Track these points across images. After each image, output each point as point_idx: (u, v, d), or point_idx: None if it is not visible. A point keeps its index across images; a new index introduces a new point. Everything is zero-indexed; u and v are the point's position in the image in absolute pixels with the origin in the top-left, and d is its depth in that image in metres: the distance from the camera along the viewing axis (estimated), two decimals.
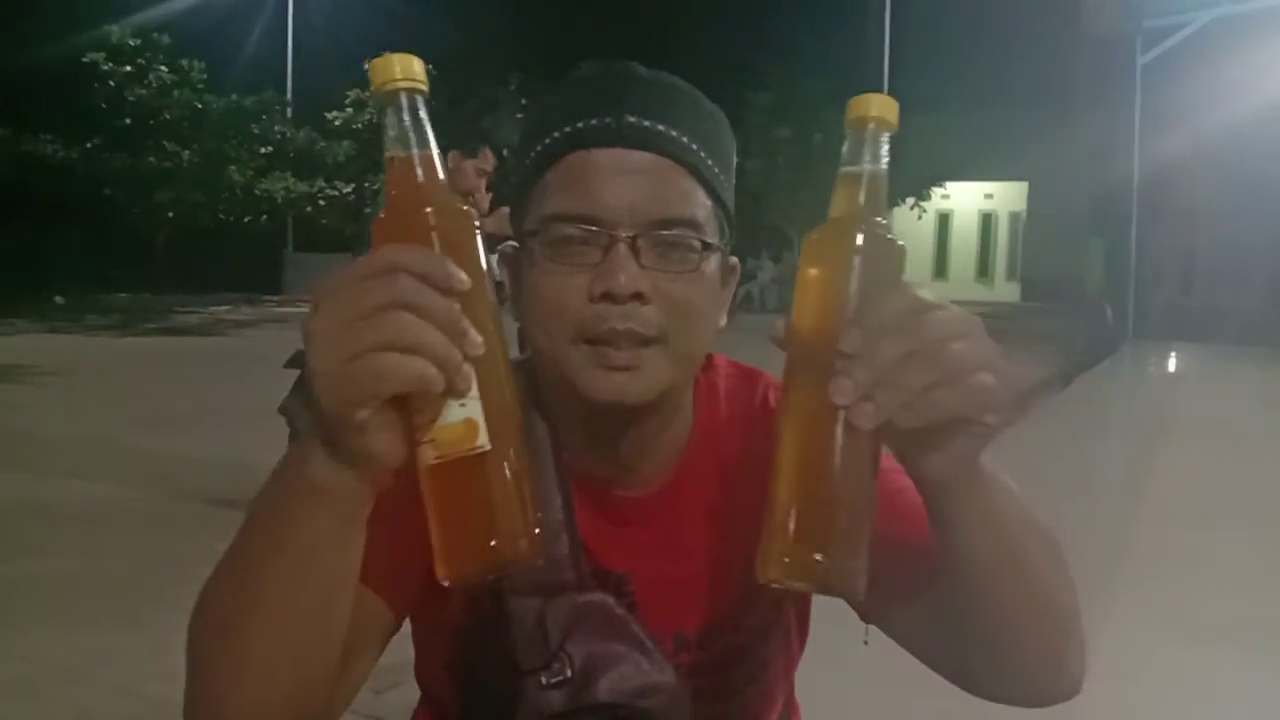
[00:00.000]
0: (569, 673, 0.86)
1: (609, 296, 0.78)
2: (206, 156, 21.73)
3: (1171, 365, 14.32)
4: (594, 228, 0.80)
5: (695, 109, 0.86)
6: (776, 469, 0.67)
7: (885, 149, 0.68)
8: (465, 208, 0.65)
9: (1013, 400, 0.63)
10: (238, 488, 5.07)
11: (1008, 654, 0.76)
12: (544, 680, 0.86)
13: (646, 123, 0.82)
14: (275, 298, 22.64)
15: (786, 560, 0.65)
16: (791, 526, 0.65)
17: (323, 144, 23.72)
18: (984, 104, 23.19)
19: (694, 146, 0.83)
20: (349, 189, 23.81)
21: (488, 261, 0.65)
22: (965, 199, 28.82)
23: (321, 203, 23.72)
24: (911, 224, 25.31)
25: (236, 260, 23.09)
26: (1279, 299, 16.85)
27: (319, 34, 25.93)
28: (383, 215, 0.64)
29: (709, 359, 0.96)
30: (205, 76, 22.28)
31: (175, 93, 21.64)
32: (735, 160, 0.90)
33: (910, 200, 24.62)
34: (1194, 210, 17.99)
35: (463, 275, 0.60)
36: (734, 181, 0.89)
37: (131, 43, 21.18)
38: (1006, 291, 28.29)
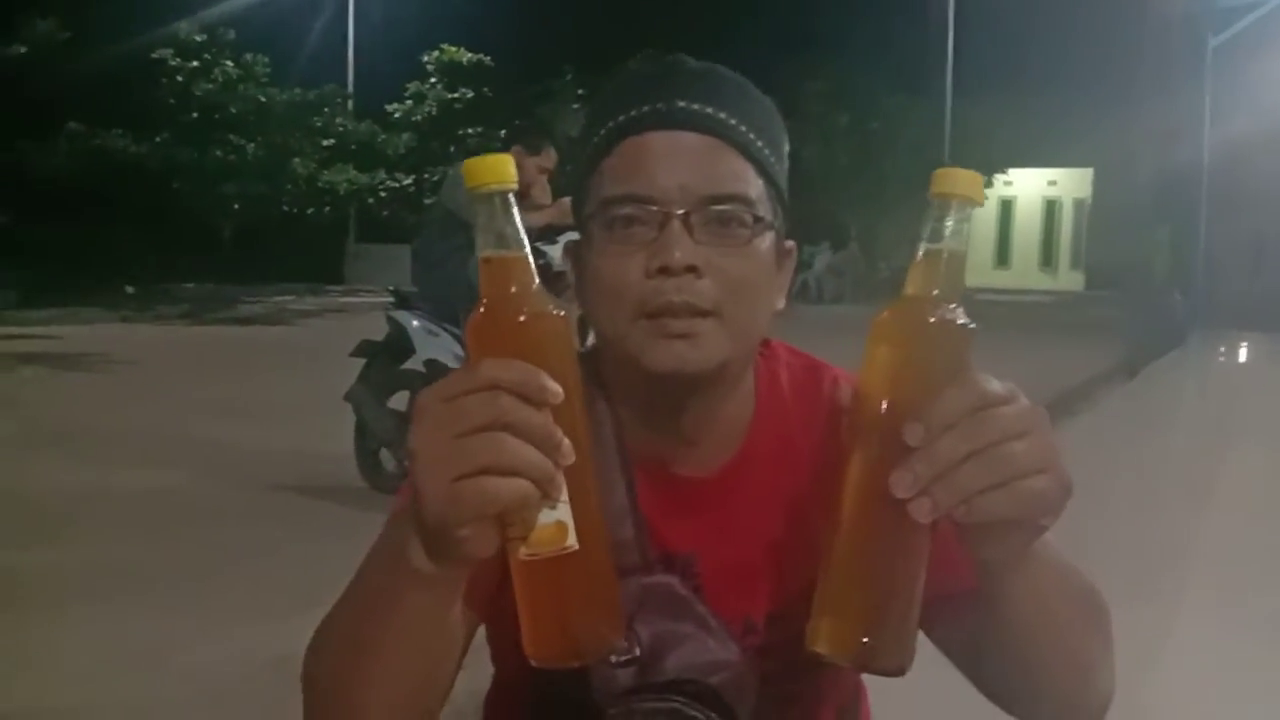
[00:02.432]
0: (637, 651, 0.90)
1: (664, 270, 0.82)
2: (270, 149, 22.12)
3: (1242, 355, 13.96)
4: (650, 206, 0.84)
5: (744, 95, 0.90)
6: (833, 542, 0.70)
7: (967, 228, 0.68)
8: (556, 311, 0.67)
9: (1067, 494, 0.66)
10: (302, 476, 5.23)
11: (1039, 688, 0.83)
12: (613, 659, 0.89)
13: (696, 106, 0.86)
14: (338, 288, 22.95)
15: (835, 638, 0.69)
16: (843, 606, 0.69)
17: (383, 136, 24.03)
18: (1048, 88, 22.70)
19: (742, 128, 0.87)
20: (409, 180, 24.11)
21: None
22: (1028, 186, 28.28)
23: (383, 194, 24.03)
24: (974, 211, 24.84)
25: (300, 251, 23.45)
26: None
27: (378, 28, 26.22)
28: (479, 316, 0.67)
29: (768, 344, 0.98)
30: (269, 71, 22.68)
31: (240, 87, 22.05)
32: (787, 146, 0.93)
33: None
34: (1264, 197, 17.49)
35: (556, 388, 0.63)
36: (787, 167, 0.92)
37: (198, 39, 21.62)
38: (1070, 280, 27.73)
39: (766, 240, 0.87)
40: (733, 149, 0.86)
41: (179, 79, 21.54)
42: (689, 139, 0.85)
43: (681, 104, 0.86)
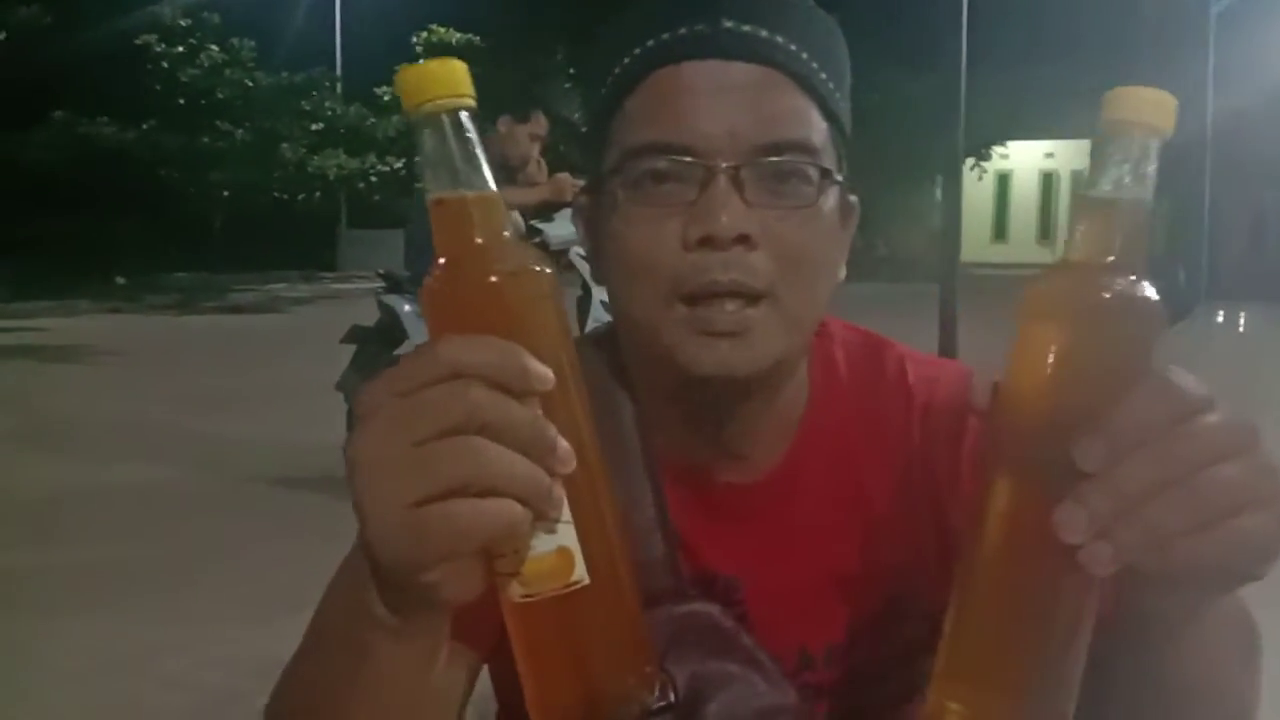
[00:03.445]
0: (672, 697, 0.71)
1: (709, 241, 0.65)
2: (259, 135, 22.00)
3: (1246, 327, 13.85)
4: (688, 158, 0.66)
5: (804, 11, 0.71)
6: (967, 586, 0.53)
7: (1153, 169, 0.50)
8: (538, 267, 0.51)
9: None
10: (294, 468, 5.08)
11: None
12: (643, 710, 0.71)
13: (747, 28, 0.68)
14: (330, 274, 22.85)
15: (972, 711, 0.52)
16: (982, 675, 0.52)
17: (373, 120, 23.81)
18: (1045, 59, 22.54)
19: (804, 55, 0.69)
20: (400, 164, 23.89)
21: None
22: (1025, 159, 28.19)
23: (373, 179, 23.84)
24: (971, 186, 24.78)
25: (291, 238, 23.34)
26: None
27: (366, 9, 25.95)
28: (436, 279, 0.50)
29: (822, 321, 0.80)
30: (255, 55, 22.53)
31: (226, 72, 21.94)
32: (849, 76, 0.74)
33: (971, 161, 24.07)
34: (1267, 166, 17.35)
35: (545, 371, 0.47)
36: (849, 101, 0.74)
37: (182, 23, 21.44)
38: None
39: (831, 198, 0.69)
40: (792, 83, 0.68)
41: (164, 65, 21.39)
42: (739, 71, 0.67)
43: (729, 25, 0.68)
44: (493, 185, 0.51)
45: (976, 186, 25.46)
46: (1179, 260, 15.55)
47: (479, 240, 0.50)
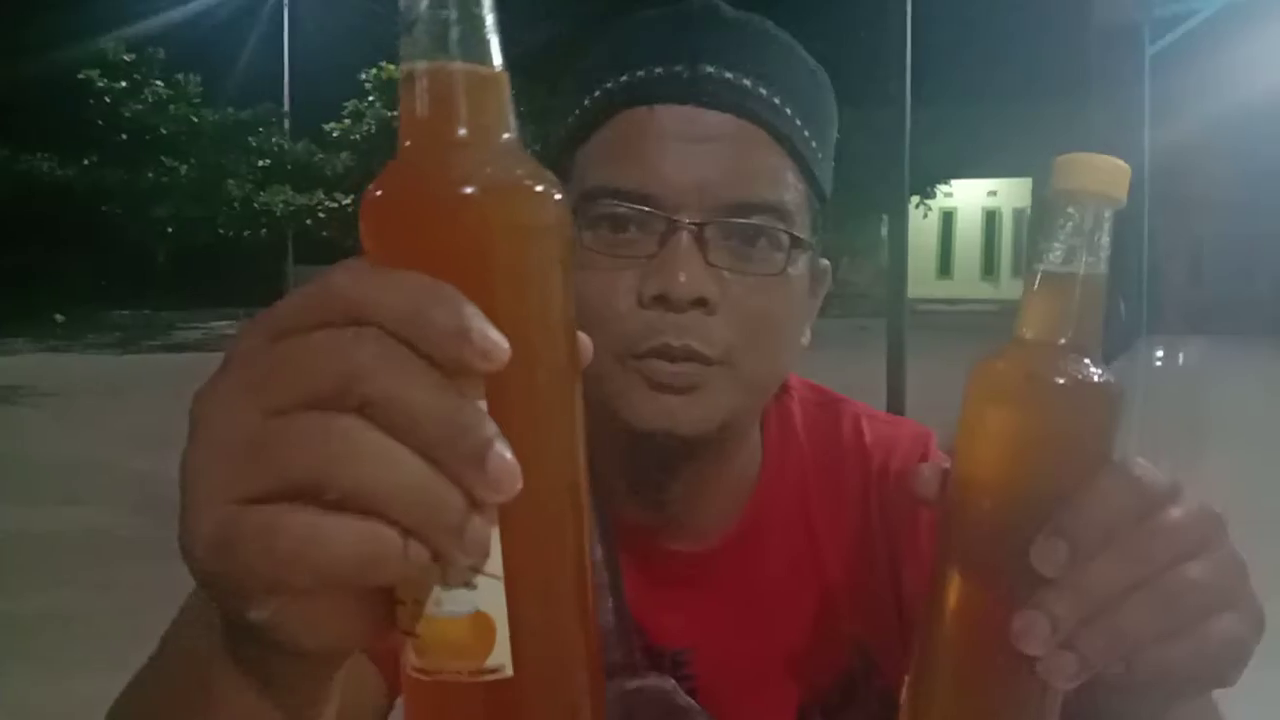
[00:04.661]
0: None
1: (663, 301, 0.61)
2: (204, 170, 21.67)
3: (1188, 360, 14.12)
4: (650, 209, 0.62)
5: (793, 63, 0.67)
6: (918, 680, 0.49)
7: (1107, 240, 0.47)
8: (543, 188, 0.36)
9: (1259, 635, 0.45)
10: None
11: None
12: None
13: (728, 75, 0.63)
14: None
15: None
16: None
17: (321, 156, 23.58)
18: (988, 99, 23.01)
19: (788, 110, 0.65)
20: (348, 200, 23.65)
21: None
22: (968, 196, 28.68)
23: (321, 215, 23.55)
24: (917, 222, 25.13)
25: (237, 275, 22.97)
26: None
27: (315, 45, 25.82)
28: (378, 184, 0.35)
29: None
30: (201, 90, 22.26)
31: (171, 108, 21.58)
32: (836, 133, 0.71)
33: (916, 199, 24.42)
34: (1205, 201, 17.80)
35: (496, 339, 0.32)
36: (834, 161, 0.70)
37: (126, 58, 21.12)
38: (1012, 289, 28.03)
39: (801, 265, 0.66)
40: (772, 140, 0.64)
41: (107, 100, 21.01)
42: (714, 121, 0.63)
43: (709, 70, 0.63)
44: (499, 62, 0.37)
45: (921, 223, 25.81)
46: (1119, 294, 15.90)
47: (460, 133, 0.35)
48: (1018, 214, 29.17)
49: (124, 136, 21.20)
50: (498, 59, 0.36)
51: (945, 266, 29.69)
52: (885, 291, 3.83)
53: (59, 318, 18.28)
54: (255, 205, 22.48)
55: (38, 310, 17.95)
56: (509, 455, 0.32)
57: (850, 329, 10.49)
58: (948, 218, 29.42)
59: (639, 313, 0.62)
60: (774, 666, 0.73)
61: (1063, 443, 0.45)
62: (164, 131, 21.46)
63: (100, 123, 21.01)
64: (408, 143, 0.36)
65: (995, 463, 0.46)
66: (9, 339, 14.77)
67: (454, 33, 0.36)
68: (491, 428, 0.32)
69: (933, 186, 24.54)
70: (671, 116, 0.63)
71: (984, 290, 27.56)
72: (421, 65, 0.36)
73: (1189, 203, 19.62)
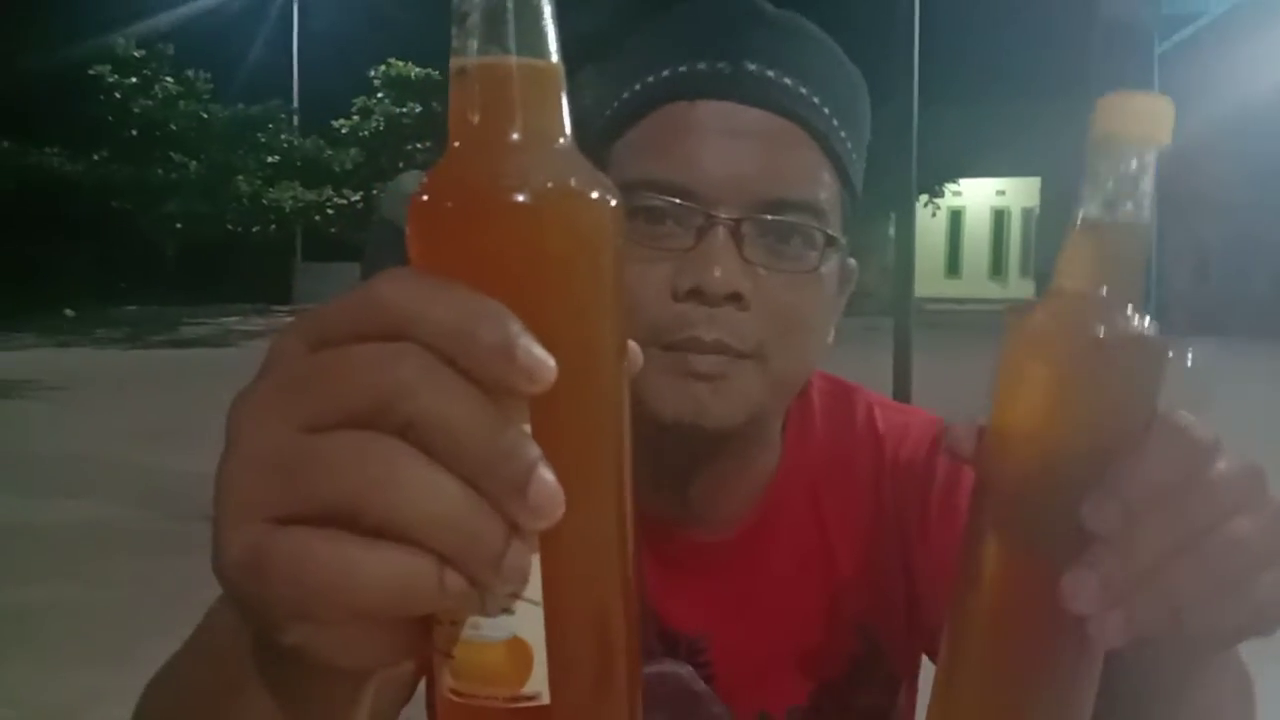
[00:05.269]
0: None
1: (698, 294, 0.61)
2: (213, 167, 21.75)
3: (1195, 360, 14.12)
4: (688, 203, 0.62)
5: (831, 63, 0.68)
6: (957, 649, 0.46)
7: (1150, 185, 0.44)
8: (600, 195, 0.34)
9: None
10: None
11: None
12: None
13: (770, 73, 0.64)
14: (285, 308, 22.58)
15: None
16: None
17: (330, 152, 23.65)
18: (996, 98, 22.99)
19: (826, 110, 0.65)
20: (357, 197, 23.73)
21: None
22: (977, 196, 28.63)
23: (330, 211, 23.64)
24: (925, 221, 25.13)
25: (246, 271, 23.08)
26: None
27: (324, 42, 25.89)
28: (426, 187, 0.33)
29: None
30: (211, 87, 22.34)
31: (181, 104, 21.67)
32: (869, 136, 0.71)
33: (924, 198, 24.42)
34: (1211, 202, 17.77)
35: (542, 357, 0.30)
36: (865, 163, 0.70)
37: (136, 54, 21.21)
38: (1020, 288, 28.03)
39: (833, 263, 0.66)
40: (810, 138, 0.64)
41: (117, 96, 21.10)
42: (755, 118, 0.63)
43: (751, 67, 0.64)
44: (556, 56, 0.34)
45: (930, 222, 25.80)
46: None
47: (514, 137, 0.33)
48: (1026, 213, 29.11)
49: (133, 132, 21.30)
50: (555, 54, 0.34)
51: (953, 266, 29.68)
52: (892, 291, 3.85)
53: (68, 312, 18.36)
54: (264, 201, 22.57)
55: (46, 305, 18.03)
56: (551, 480, 0.30)
57: (858, 328, 10.50)
58: (956, 217, 29.39)
59: (672, 305, 0.63)
60: (786, 653, 0.74)
61: (1107, 397, 0.43)
62: (173, 127, 21.55)
63: (110, 119, 21.11)
64: (457, 143, 0.34)
65: (1037, 419, 0.44)
66: (17, 333, 14.83)
67: (511, 23, 0.33)
68: (534, 452, 0.30)
69: (941, 185, 24.52)
70: (711, 112, 0.64)
71: (992, 290, 27.53)
72: (474, 60, 0.33)
73: (1195, 204, 19.60)
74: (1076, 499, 0.41)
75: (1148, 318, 0.44)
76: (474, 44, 0.33)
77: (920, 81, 3.86)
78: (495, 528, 0.30)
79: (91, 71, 20.70)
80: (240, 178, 22.08)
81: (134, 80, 21.25)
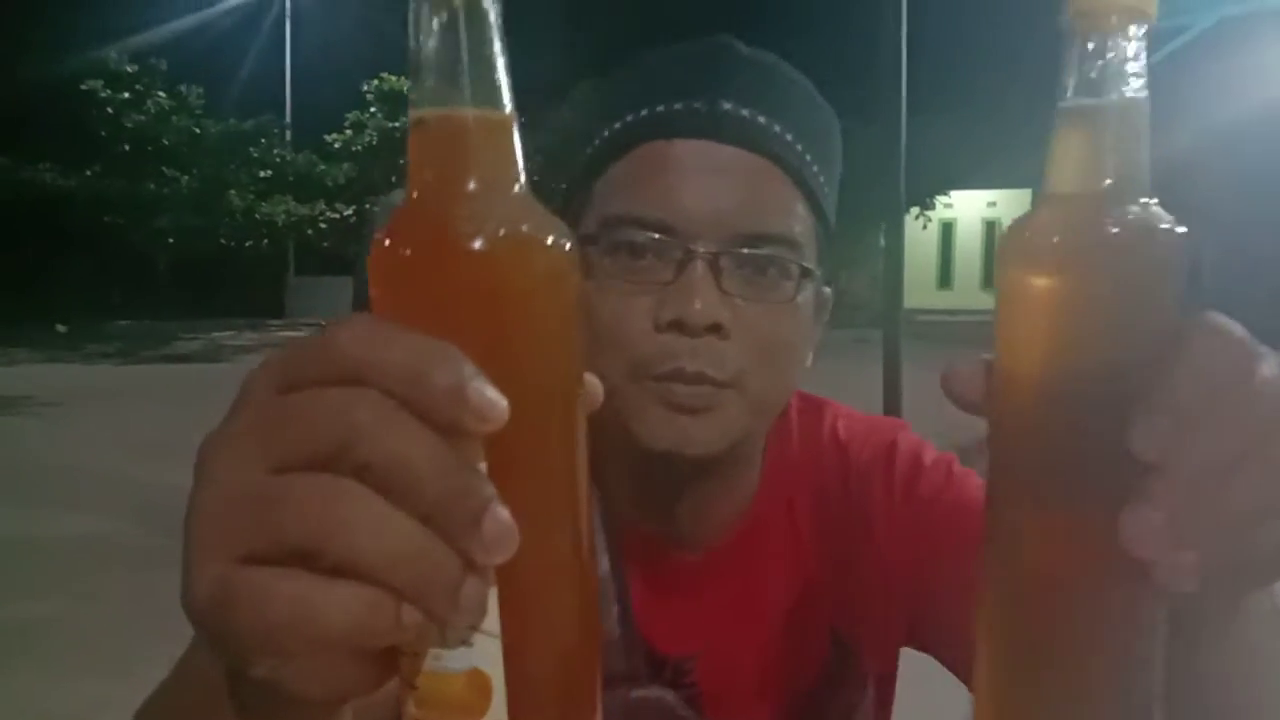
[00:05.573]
0: None
1: (679, 326, 0.63)
2: (206, 181, 21.75)
3: None
4: (668, 237, 0.64)
5: (804, 101, 0.70)
6: (996, 644, 0.41)
7: (1141, 64, 0.38)
8: (557, 241, 0.35)
9: None
10: None
11: None
12: None
13: (745, 112, 0.66)
14: (278, 322, 22.55)
15: None
16: None
17: (322, 167, 23.66)
18: (987, 111, 23.12)
19: (799, 147, 0.68)
20: (350, 211, 23.74)
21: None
22: (969, 208, 28.74)
23: (323, 225, 23.64)
24: (917, 234, 25.21)
25: (238, 285, 23.05)
26: None
27: (316, 56, 25.94)
28: (386, 233, 0.35)
29: None
30: (203, 101, 22.34)
31: (173, 118, 21.68)
32: (841, 170, 0.74)
33: (915, 210, 24.50)
34: (1200, 209, 17.86)
35: (495, 399, 0.32)
36: (838, 197, 0.73)
37: (129, 69, 21.22)
38: None
39: (809, 293, 0.68)
40: (784, 174, 0.67)
41: (109, 110, 21.10)
42: (730, 155, 0.66)
43: (727, 107, 0.66)
44: (510, 107, 0.35)
45: (921, 234, 25.88)
46: None
47: (470, 186, 0.34)
48: None
49: (126, 147, 21.30)
50: (509, 104, 0.35)
51: (945, 277, 29.76)
52: (882, 303, 3.88)
53: (60, 328, 18.31)
54: (257, 216, 22.56)
55: (39, 320, 17.98)
56: (505, 517, 0.31)
57: (849, 340, 10.53)
58: (947, 229, 29.49)
59: (654, 336, 0.64)
60: (767, 666, 0.76)
61: (1128, 303, 0.37)
62: (166, 142, 21.55)
63: (103, 133, 21.12)
64: (415, 192, 0.35)
65: (1053, 343, 0.38)
66: (12, 349, 14.78)
67: (465, 75, 0.34)
68: (488, 489, 0.32)
69: (932, 198, 24.63)
70: (689, 150, 0.66)
71: (984, 301, 27.44)
72: (430, 112, 0.35)
73: (1187, 217, 19.66)
74: (1113, 428, 0.35)
75: (1158, 208, 0.39)
76: (430, 96, 0.35)
77: (910, 95, 3.90)
78: (450, 563, 0.31)
79: (84, 86, 20.71)
80: (233, 192, 22.08)
81: (127, 95, 21.26)
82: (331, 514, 0.31)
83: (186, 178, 21.65)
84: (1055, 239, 0.38)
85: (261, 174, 23.04)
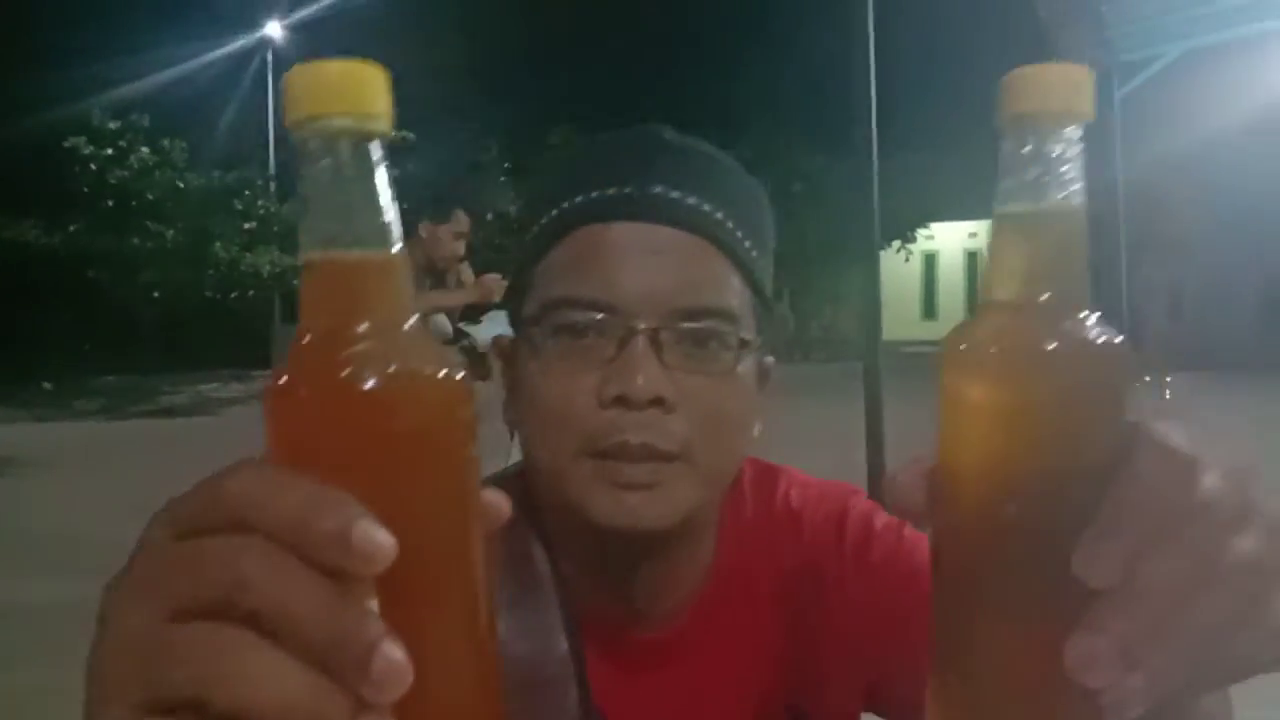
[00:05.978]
0: None
1: (623, 401, 0.65)
2: (190, 235, 21.73)
3: (1172, 394, 14.27)
4: (608, 315, 0.66)
5: (732, 180, 0.73)
6: None
7: (1079, 166, 0.38)
8: (447, 374, 0.35)
9: None
10: None
11: None
12: None
13: (676, 194, 0.69)
14: (264, 372, 22.41)
15: None
16: None
17: None
18: (965, 144, 23.35)
19: (729, 224, 0.70)
20: None
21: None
22: (950, 239, 28.97)
23: None
24: (899, 267, 25.37)
25: (224, 336, 22.97)
26: (1264, 322, 16.92)
27: None
28: (279, 374, 0.35)
29: None
30: (186, 155, 22.38)
31: (157, 173, 21.68)
32: (774, 243, 0.77)
33: (897, 243, 24.69)
34: (1178, 239, 18.05)
35: (383, 541, 0.32)
36: (773, 269, 0.76)
37: (111, 126, 21.25)
38: None
39: (749, 363, 0.70)
40: (717, 251, 0.69)
41: (92, 167, 21.11)
42: (665, 235, 0.68)
43: (658, 190, 0.69)
44: (398, 247, 0.36)
45: (904, 267, 26.07)
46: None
47: (359, 328, 0.34)
48: None
49: (110, 203, 21.28)
50: (398, 242, 0.36)
51: (929, 309, 29.91)
52: (862, 337, 3.89)
53: (46, 385, 18.20)
54: (242, 267, 22.55)
55: (23, 378, 17.87)
56: (395, 655, 0.32)
57: (836, 374, 10.56)
58: (930, 260, 29.69)
59: (599, 412, 0.66)
60: None
61: (1069, 418, 0.36)
62: (150, 197, 21.55)
63: (86, 190, 21.11)
64: (308, 334, 0.35)
65: (991, 457, 0.37)
66: None
67: (352, 218, 0.35)
68: (373, 629, 0.32)
69: (913, 230, 24.82)
70: (624, 232, 0.68)
71: None
72: (318, 255, 0.35)
73: (1166, 244, 19.88)
74: (1052, 543, 0.35)
75: (1098, 320, 0.37)
76: (318, 237, 0.35)
77: (886, 131, 3.94)
78: (339, 707, 0.32)
79: (67, 144, 20.74)
80: (218, 244, 22.07)
81: (109, 151, 21.28)
82: (219, 665, 0.31)
83: (171, 231, 21.64)
84: (993, 350, 0.38)
85: (246, 225, 23.07)
